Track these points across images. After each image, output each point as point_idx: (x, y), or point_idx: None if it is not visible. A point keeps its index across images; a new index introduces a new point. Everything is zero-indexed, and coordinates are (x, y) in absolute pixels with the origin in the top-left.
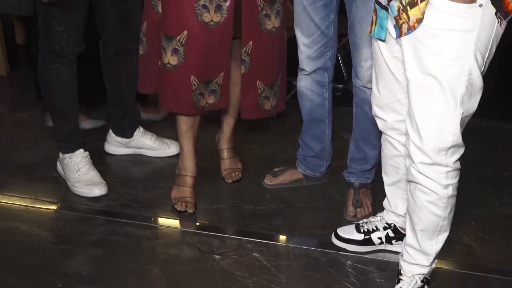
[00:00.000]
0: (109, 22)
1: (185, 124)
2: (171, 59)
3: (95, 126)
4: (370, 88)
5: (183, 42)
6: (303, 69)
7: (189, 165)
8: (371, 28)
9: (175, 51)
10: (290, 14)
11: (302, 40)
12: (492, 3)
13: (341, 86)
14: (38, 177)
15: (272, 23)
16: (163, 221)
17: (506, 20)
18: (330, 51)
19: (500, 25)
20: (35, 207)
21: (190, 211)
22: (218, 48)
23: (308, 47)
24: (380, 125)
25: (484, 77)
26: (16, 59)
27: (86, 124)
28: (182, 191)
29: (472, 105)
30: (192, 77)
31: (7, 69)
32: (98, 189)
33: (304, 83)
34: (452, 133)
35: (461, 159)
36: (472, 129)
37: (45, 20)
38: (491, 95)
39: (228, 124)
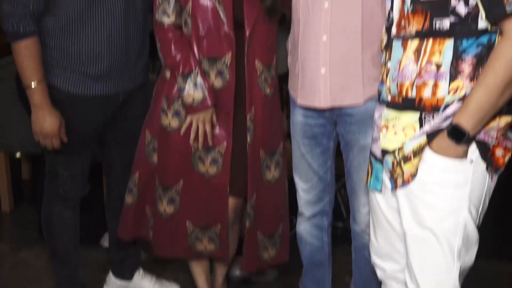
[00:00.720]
0: (115, 167)
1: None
2: (167, 208)
3: None
4: (369, 234)
5: (179, 192)
6: (302, 214)
7: None
8: (367, 179)
9: (171, 201)
10: (291, 153)
11: (301, 185)
12: (482, 158)
13: (340, 224)
14: None
15: (272, 173)
16: None
17: (497, 174)
18: (328, 195)
19: (491, 180)
20: None
21: None
22: (214, 198)
23: (306, 192)
24: (379, 274)
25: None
26: (21, 195)
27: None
28: None
29: (470, 257)
30: (187, 222)
31: (10, 206)
32: None
33: (303, 227)
34: (452, 287)
35: None
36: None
37: (52, 165)
38: (485, 234)
39: (220, 273)
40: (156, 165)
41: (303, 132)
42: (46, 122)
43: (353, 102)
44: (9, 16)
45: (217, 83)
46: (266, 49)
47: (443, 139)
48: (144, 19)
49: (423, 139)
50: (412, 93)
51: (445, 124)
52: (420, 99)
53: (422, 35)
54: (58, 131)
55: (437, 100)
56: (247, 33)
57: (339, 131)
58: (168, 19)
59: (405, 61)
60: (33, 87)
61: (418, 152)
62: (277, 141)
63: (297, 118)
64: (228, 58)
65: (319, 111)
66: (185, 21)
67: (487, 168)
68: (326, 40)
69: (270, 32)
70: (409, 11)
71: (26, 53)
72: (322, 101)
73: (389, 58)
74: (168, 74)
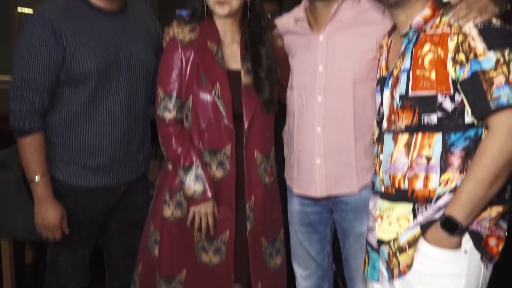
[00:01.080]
0: (116, 256)
1: None
2: None
3: None
4: None
5: (183, 282)
6: None
7: None
8: (364, 268)
9: None
10: None
11: (299, 272)
12: (476, 248)
13: None
14: None
15: (274, 260)
16: None
17: (492, 263)
18: (327, 282)
19: (486, 269)
20: None
21: None
22: None
23: (305, 279)
24: None
25: None
26: (23, 280)
27: None
28: None
29: None
30: None
31: None
32: None
33: None
34: None
35: None
36: None
37: (53, 254)
38: None
39: None
40: (158, 258)
41: (300, 219)
42: (49, 215)
43: (348, 191)
44: (15, 112)
45: (218, 173)
46: (264, 140)
47: (436, 230)
48: (145, 111)
49: (417, 230)
50: (405, 185)
51: (438, 215)
52: (413, 191)
53: (411, 129)
54: (60, 223)
55: (429, 191)
56: (246, 125)
57: (335, 218)
58: (169, 114)
59: (397, 154)
60: (36, 181)
61: (413, 243)
62: (278, 228)
63: (294, 206)
64: (228, 149)
65: (315, 199)
66: (186, 115)
67: (481, 258)
68: (320, 132)
69: (268, 123)
70: (398, 107)
71: (30, 148)
72: (318, 191)
73: (381, 151)
74: (170, 166)
